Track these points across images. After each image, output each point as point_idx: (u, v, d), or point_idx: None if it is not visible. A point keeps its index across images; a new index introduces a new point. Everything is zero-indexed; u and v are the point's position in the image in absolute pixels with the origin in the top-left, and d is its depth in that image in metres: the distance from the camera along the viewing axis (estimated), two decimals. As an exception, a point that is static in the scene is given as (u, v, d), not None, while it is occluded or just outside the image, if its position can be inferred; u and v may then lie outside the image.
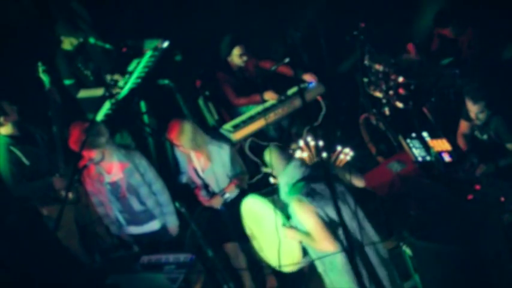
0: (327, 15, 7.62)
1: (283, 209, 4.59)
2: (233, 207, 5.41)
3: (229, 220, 5.43)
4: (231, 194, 5.40)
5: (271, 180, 5.13)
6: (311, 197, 4.34)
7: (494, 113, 5.28)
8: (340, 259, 4.39)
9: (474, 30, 6.53)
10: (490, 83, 5.43)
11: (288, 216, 4.55)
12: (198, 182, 5.41)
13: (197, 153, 5.31)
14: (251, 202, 4.81)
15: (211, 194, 5.38)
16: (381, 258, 4.51)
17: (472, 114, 5.33)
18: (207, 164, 5.30)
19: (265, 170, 4.71)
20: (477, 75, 5.95)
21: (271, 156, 4.51)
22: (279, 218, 4.57)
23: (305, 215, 4.33)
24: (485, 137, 5.47)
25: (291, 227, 4.50)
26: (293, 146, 5.56)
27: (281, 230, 4.52)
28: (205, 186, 5.40)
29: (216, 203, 5.37)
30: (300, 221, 4.40)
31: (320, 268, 4.58)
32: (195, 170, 5.37)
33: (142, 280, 4.87)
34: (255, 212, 4.80)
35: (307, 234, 4.39)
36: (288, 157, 4.54)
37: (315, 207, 4.33)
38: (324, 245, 4.33)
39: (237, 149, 6.30)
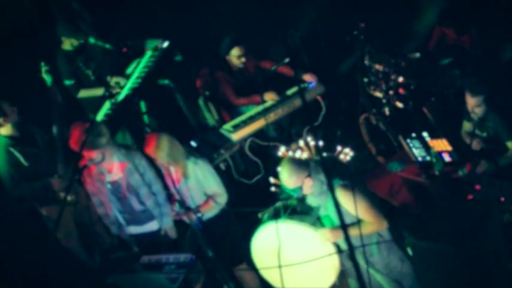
0: (327, 15, 7.62)
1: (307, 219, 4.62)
2: (212, 227, 5.16)
3: (204, 239, 4.93)
4: (206, 213, 5.14)
5: (271, 180, 5.13)
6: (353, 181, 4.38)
7: (491, 110, 5.32)
8: (387, 234, 4.54)
9: (476, 30, 6.53)
10: (490, 81, 5.45)
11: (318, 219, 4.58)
12: (175, 194, 5.24)
13: (174, 166, 5.19)
14: (266, 233, 4.70)
15: (186, 209, 5.06)
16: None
17: (470, 108, 5.37)
18: (181, 178, 5.15)
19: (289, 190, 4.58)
20: (478, 75, 5.96)
21: (293, 170, 4.42)
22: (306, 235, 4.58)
23: (356, 199, 4.33)
24: (484, 134, 5.49)
25: (334, 228, 4.51)
26: (293, 146, 5.56)
27: (322, 235, 4.52)
28: (183, 200, 5.17)
29: (189, 219, 5.04)
30: (348, 208, 4.37)
31: (362, 260, 4.57)
32: (173, 182, 5.24)
33: (142, 280, 4.87)
34: (271, 242, 4.65)
35: (355, 224, 4.38)
36: (305, 162, 4.52)
37: (359, 189, 4.39)
38: (379, 222, 4.43)
39: (237, 149, 6.30)
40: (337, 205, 3.34)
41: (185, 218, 5.09)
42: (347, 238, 3.02)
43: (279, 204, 4.86)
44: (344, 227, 4.10)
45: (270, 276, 4.93)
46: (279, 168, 4.54)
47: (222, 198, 5.19)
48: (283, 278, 4.64)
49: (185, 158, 5.10)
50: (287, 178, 4.45)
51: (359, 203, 4.32)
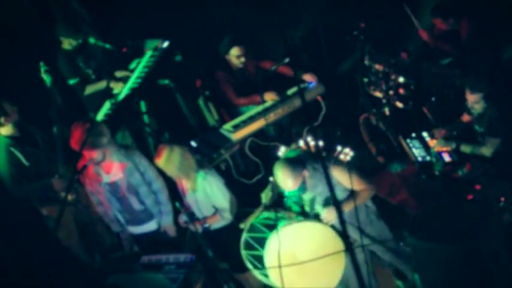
0: (327, 15, 7.62)
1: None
2: (218, 237, 5.21)
3: (208, 246, 4.83)
4: (213, 224, 5.17)
5: (271, 180, 5.13)
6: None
7: (491, 107, 5.35)
8: (371, 204, 4.79)
9: (471, 27, 6.54)
10: (490, 78, 5.48)
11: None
12: (185, 201, 5.25)
13: (184, 180, 5.17)
14: (275, 243, 4.57)
15: (191, 219, 5.01)
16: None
17: (469, 103, 5.41)
18: (189, 190, 5.15)
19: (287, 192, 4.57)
20: (477, 71, 5.98)
21: (290, 170, 4.42)
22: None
23: (349, 172, 4.49)
24: (482, 129, 5.52)
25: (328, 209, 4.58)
26: (293, 146, 5.57)
27: (328, 212, 4.56)
28: (189, 209, 5.21)
29: (195, 228, 4.97)
30: (343, 182, 4.53)
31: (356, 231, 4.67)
32: (182, 191, 5.25)
33: (142, 280, 4.88)
34: (285, 249, 4.57)
35: (350, 196, 4.54)
36: (297, 158, 4.56)
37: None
38: (370, 187, 4.61)
39: (237, 149, 6.30)
40: (329, 183, 3.51)
41: (191, 227, 5.06)
42: (340, 215, 3.15)
43: (255, 220, 4.84)
44: (337, 202, 4.35)
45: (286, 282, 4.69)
46: (274, 173, 4.49)
47: (232, 211, 5.19)
48: (295, 281, 4.60)
49: (195, 172, 5.06)
50: (285, 179, 4.42)
51: (352, 174, 4.50)
